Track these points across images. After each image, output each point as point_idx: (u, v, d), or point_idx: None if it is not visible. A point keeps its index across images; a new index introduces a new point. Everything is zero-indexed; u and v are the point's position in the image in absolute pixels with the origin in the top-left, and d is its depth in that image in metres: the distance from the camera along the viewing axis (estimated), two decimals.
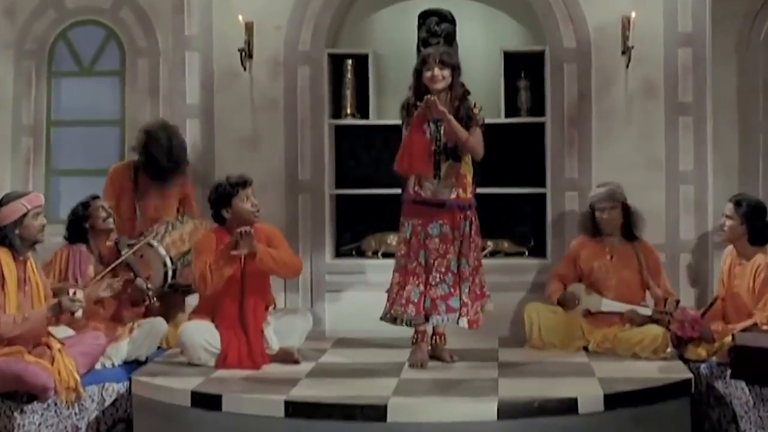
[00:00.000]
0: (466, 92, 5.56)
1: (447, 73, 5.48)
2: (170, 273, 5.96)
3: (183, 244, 6.01)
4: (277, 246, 5.67)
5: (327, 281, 6.72)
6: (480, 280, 5.64)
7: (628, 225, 6.02)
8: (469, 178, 5.55)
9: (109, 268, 5.68)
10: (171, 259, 5.95)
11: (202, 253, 5.56)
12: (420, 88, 5.52)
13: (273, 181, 6.65)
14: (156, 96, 7.39)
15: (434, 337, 5.75)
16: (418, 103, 5.40)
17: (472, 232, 5.58)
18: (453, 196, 5.50)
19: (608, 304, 5.99)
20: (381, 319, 5.55)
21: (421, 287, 5.50)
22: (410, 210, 5.58)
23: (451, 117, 5.37)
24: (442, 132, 5.42)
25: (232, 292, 5.55)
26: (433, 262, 5.50)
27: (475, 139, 5.45)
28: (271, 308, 5.87)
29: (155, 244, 5.93)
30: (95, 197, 5.96)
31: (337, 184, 6.95)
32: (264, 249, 5.53)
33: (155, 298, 5.75)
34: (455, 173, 5.50)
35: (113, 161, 7.11)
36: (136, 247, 5.83)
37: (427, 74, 5.47)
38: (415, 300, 5.46)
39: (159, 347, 5.90)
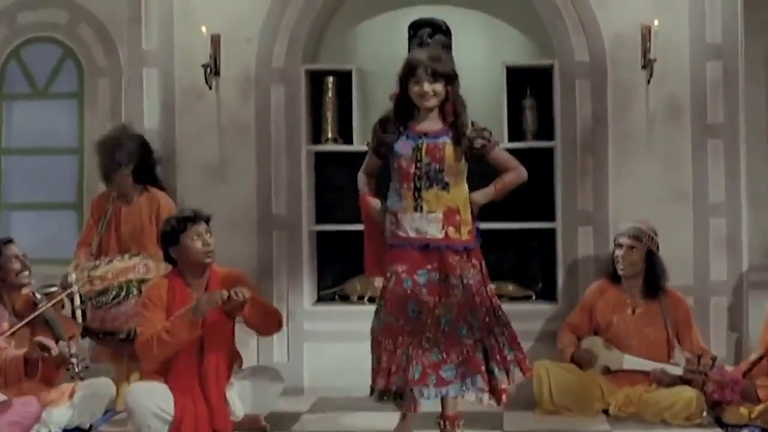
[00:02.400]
0: (462, 107, 4.74)
1: (440, 87, 4.64)
2: (78, 314, 5.26)
3: (102, 282, 5.29)
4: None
5: (306, 330, 6.17)
6: (507, 338, 4.73)
7: (651, 276, 5.48)
8: (466, 214, 4.67)
9: (22, 323, 4.96)
10: (81, 296, 5.24)
11: (147, 308, 4.94)
12: (404, 103, 4.71)
13: (243, 215, 6.18)
14: (118, 120, 6.72)
15: (442, 422, 4.79)
16: (400, 129, 4.69)
17: (475, 283, 4.66)
18: (440, 235, 4.61)
19: (631, 361, 5.41)
20: (375, 400, 4.68)
21: (411, 350, 4.56)
22: (393, 255, 4.70)
23: (498, 187, 4.75)
24: (424, 149, 4.60)
25: (188, 347, 4.91)
26: (423, 318, 4.59)
27: (513, 166, 4.80)
28: (236, 367, 5.22)
29: (75, 289, 5.20)
30: (8, 241, 5.26)
31: (316, 219, 6.46)
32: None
33: (82, 366, 4.94)
34: (443, 205, 4.62)
35: (71, 193, 6.93)
36: (54, 300, 5.06)
37: (416, 89, 4.64)
38: (403, 367, 4.56)
39: (107, 410, 5.35)
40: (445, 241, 4.58)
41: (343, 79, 6.33)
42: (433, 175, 4.58)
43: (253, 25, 6.21)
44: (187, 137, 6.25)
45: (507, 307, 5.65)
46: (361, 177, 4.88)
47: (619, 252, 5.47)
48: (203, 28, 6.06)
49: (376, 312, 4.70)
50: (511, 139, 6.11)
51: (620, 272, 5.47)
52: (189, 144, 6.25)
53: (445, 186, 4.59)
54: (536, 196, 6.21)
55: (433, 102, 4.60)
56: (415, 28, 6.21)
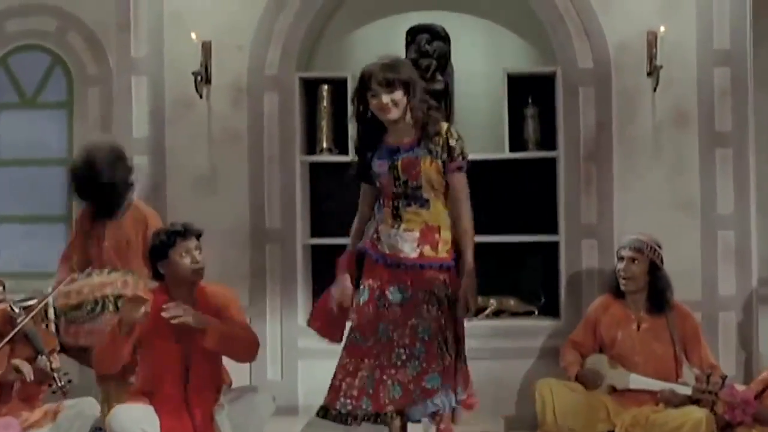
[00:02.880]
0: (431, 111, 4.37)
1: (399, 95, 4.27)
2: (52, 327, 5.02)
3: (78, 296, 5.02)
4: (230, 317, 4.81)
5: (300, 347, 6.01)
6: (462, 362, 4.40)
7: (654, 291, 5.28)
8: (445, 233, 4.34)
9: (2, 342, 4.73)
10: (55, 309, 5.01)
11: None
12: (365, 118, 4.42)
13: (235, 228, 6.03)
14: (108, 130, 6.63)
15: None
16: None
17: (440, 303, 4.31)
18: (414, 254, 4.31)
19: (638, 381, 5.18)
20: (316, 414, 4.44)
21: (378, 372, 4.28)
22: (367, 267, 4.42)
23: (468, 268, 4.29)
24: (399, 167, 4.28)
25: (174, 368, 4.70)
26: (394, 336, 4.28)
27: (461, 201, 4.34)
28: (224, 387, 4.96)
29: (50, 302, 4.99)
30: None
31: (311, 232, 6.31)
32: (215, 326, 4.66)
33: (65, 381, 4.77)
34: (421, 223, 4.32)
35: (59, 205, 6.76)
36: (33, 312, 4.85)
37: (373, 102, 4.27)
38: (370, 390, 4.29)
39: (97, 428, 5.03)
40: (419, 259, 4.29)
41: (339, 87, 6.15)
42: (411, 192, 4.30)
43: (246, 32, 6.08)
44: (178, 147, 6.11)
45: (508, 322, 5.94)
46: (355, 225, 4.60)
47: (620, 265, 5.31)
48: (193, 35, 5.93)
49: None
50: (512, 149, 6.01)
51: (622, 286, 5.30)
52: (179, 154, 6.11)
53: (425, 203, 4.31)
54: (538, 207, 6.16)
55: (394, 113, 4.26)
56: (413, 34, 6.11)
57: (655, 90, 5.83)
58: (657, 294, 5.27)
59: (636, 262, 5.27)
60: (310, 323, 4.63)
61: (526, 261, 6.32)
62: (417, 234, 4.28)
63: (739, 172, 5.88)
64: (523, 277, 6.32)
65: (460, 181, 4.29)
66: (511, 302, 6.18)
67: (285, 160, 6.07)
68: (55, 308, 5.00)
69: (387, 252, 4.31)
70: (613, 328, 5.31)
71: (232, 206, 6.06)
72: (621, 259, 5.31)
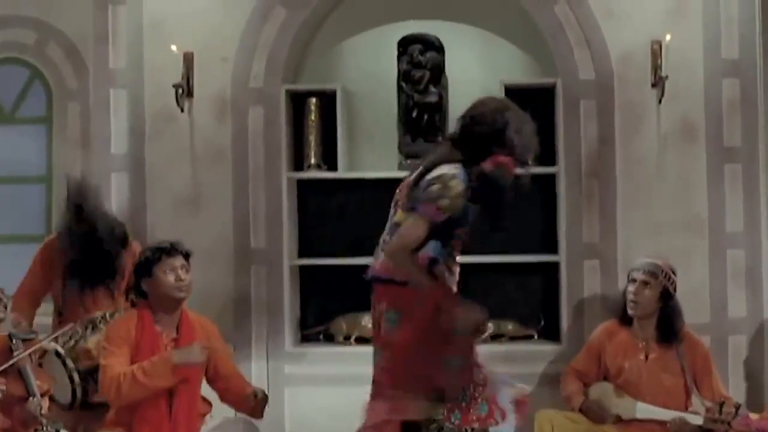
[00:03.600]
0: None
1: None
2: (79, 391, 4.74)
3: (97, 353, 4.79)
4: (215, 347, 4.77)
5: (287, 374, 5.87)
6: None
7: (665, 319, 5.08)
8: None
9: None
10: (80, 372, 4.74)
11: (112, 342, 4.55)
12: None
13: (219, 249, 5.88)
14: (89, 146, 6.49)
15: None
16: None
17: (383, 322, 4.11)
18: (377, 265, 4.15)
19: (645, 410, 4.97)
20: None
21: None
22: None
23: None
24: None
25: (155, 397, 4.52)
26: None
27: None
28: (207, 417, 4.84)
29: (61, 351, 4.73)
30: None
31: (299, 252, 6.14)
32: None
33: (53, 429, 4.48)
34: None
35: (39, 225, 6.78)
36: (31, 349, 4.59)
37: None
38: None
39: None
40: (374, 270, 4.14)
41: (327, 100, 6.03)
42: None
43: (229, 42, 5.91)
44: (158, 164, 5.95)
45: (506, 347, 5.80)
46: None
47: (631, 287, 5.12)
48: (174, 46, 5.79)
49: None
50: None
51: (630, 311, 5.10)
52: (160, 171, 5.96)
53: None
54: (538, 226, 6.04)
55: None
56: (405, 44, 5.97)
57: (660, 102, 5.70)
58: (667, 324, 5.08)
59: (648, 286, 5.07)
60: None
61: (525, 282, 6.16)
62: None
63: (749, 188, 5.76)
64: (522, 299, 6.16)
65: (409, 221, 4.00)
66: (509, 326, 6.02)
67: (271, 176, 5.92)
68: (80, 371, 4.74)
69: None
70: (620, 356, 5.11)
71: (215, 225, 5.91)
72: (633, 281, 5.13)
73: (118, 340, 4.56)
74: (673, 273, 5.10)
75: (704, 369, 5.08)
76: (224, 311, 5.75)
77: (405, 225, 3.91)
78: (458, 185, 3.86)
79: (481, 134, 3.98)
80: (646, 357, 5.07)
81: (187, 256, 4.68)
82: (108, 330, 4.68)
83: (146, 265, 4.62)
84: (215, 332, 4.84)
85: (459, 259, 4.17)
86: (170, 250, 4.64)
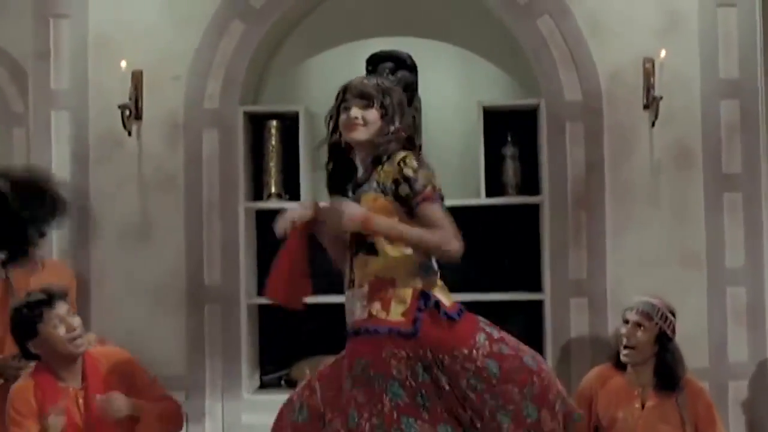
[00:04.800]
0: (405, 144, 3.70)
1: (373, 115, 3.69)
2: None
3: None
4: (141, 386, 4.39)
5: (244, 423, 5.59)
6: None
7: (662, 366, 4.77)
8: (402, 290, 3.55)
9: None
10: None
11: (16, 423, 4.19)
12: (340, 150, 3.79)
13: (170, 285, 5.65)
14: None
15: None
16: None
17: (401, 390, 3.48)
18: (363, 315, 3.55)
19: None
20: None
21: None
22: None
23: (400, 228, 3.50)
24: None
25: None
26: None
27: (434, 229, 3.51)
28: None
29: None
30: None
31: (258, 290, 5.83)
32: (149, 410, 4.29)
33: None
34: (370, 275, 3.58)
35: None
36: None
37: (342, 117, 3.75)
38: None
39: None
40: (366, 322, 3.54)
41: (289, 123, 5.82)
42: (359, 238, 3.58)
43: (182, 60, 5.66)
44: (103, 192, 5.71)
45: None
46: None
47: (624, 330, 4.82)
48: (123, 63, 5.51)
49: None
50: (489, 193, 5.64)
51: (623, 357, 4.78)
52: (105, 200, 5.71)
53: (371, 248, 3.57)
54: (520, 261, 5.84)
55: (360, 132, 3.62)
56: (374, 62, 5.64)
57: (653, 125, 5.52)
58: (665, 370, 4.75)
59: (642, 329, 4.75)
60: (267, 293, 3.90)
61: (505, 323, 5.49)
62: (366, 289, 3.55)
63: (751, 219, 5.56)
64: None
65: (433, 211, 3.51)
66: None
67: (227, 206, 5.67)
68: None
69: (348, 320, 3.62)
70: (613, 405, 4.77)
71: (165, 259, 5.68)
72: (625, 322, 4.83)
73: (23, 412, 4.23)
74: (672, 313, 4.81)
75: (707, 420, 4.79)
76: (175, 354, 5.52)
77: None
78: None
79: None
80: (643, 406, 4.75)
81: (65, 296, 4.29)
82: (11, 396, 4.30)
83: (28, 326, 4.21)
84: (133, 363, 4.45)
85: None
86: (50, 300, 4.23)
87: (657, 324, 4.73)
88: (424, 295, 3.51)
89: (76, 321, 4.23)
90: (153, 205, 5.66)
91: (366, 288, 3.51)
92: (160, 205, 5.66)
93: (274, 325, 5.94)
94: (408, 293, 3.50)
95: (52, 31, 5.67)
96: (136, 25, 5.63)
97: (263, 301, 5.61)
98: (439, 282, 3.62)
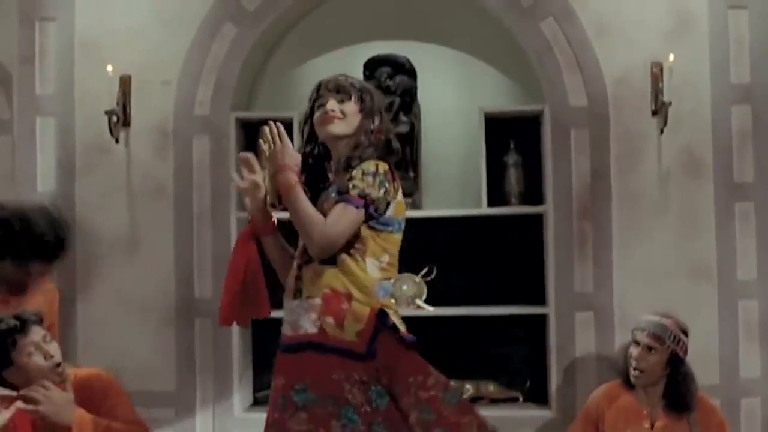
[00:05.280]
0: (368, 148, 3.43)
1: (351, 108, 3.44)
2: None
3: None
4: (109, 406, 4.07)
5: None
6: None
7: (674, 388, 4.60)
8: (359, 305, 3.31)
9: None
10: None
11: None
12: (316, 152, 3.59)
13: (159, 299, 5.53)
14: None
15: None
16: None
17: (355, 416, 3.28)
18: (312, 330, 3.31)
19: None
20: None
21: None
22: (278, 356, 3.48)
23: (294, 190, 3.36)
24: None
25: None
26: None
27: (325, 222, 3.27)
28: None
29: None
30: None
31: None
32: (85, 421, 3.91)
33: None
34: (323, 287, 3.34)
35: None
36: None
37: (317, 113, 3.46)
38: None
39: None
40: (318, 337, 3.30)
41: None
42: None
43: (172, 64, 5.57)
44: (90, 202, 5.60)
45: (487, 412, 5.05)
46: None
47: (633, 351, 4.64)
48: (109, 68, 5.38)
49: None
50: (491, 203, 5.54)
51: (632, 379, 4.61)
52: (92, 211, 5.59)
53: (329, 259, 3.33)
54: (523, 273, 5.74)
55: (336, 126, 3.41)
56: (372, 67, 5.65)
57: (661, 132, 5.41)
58: (676, 393, 4.59)
59: (653, 351, 4.58)
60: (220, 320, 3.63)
61: (509, 338, 5.83)
62: (318, 301, 3.32)
63: (763, 230, 5.45)
64: (505, 356, 5.84)
65: (338, 209, 3.28)
66: (491, 387, 5.69)
67: (218, 216, 5.55)
68: None
69: (288, 333, 3.37)
70: (621, 424, 4.61)
71: (154, 272, 5.56)
72: (635, 343, 4.64)
73: None
74: (684, 333, 4.64)
75: None
76: (164, 370, 5.40)
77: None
78: None
79: None
80: (652, 426, 4.58)
81: (40, 321, 4.04)
82: None
83: (2, 355, 3.97)
84: (110, 383, 4.19)
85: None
86: (22, 327, 3.99)
87: (669, 347, 4.58)
88: (382, 315, 3.29)
89: (53, 347, 4.01)
90: (141, 216, 5.55)
91: (318, 300, 3.29)
92: (148, 215, 5.55)
93: (267, 341, 5.70)
94: (365, 311, 3.28)
95: (37, 35, 5.59)
96: (124, 28, 5.54)
97: None
98: (394, 305, 3.42)
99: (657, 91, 5.31)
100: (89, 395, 4.04)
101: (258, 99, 5.87)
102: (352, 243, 3.28)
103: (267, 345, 5.66)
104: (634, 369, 4.56)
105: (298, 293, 3.33)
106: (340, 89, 3.40)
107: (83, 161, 5.56)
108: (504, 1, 5.45)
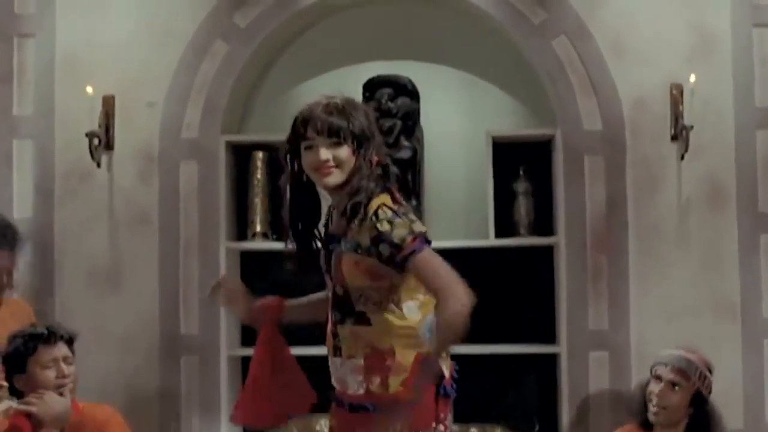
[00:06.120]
0: (366, 181, 3.24)
1: (346, 152, 3.22)
2: None
3: None
4: None
5: None
6: None
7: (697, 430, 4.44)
8: (403, 355, 3.23)
9: None
10: None
11: None
12: (298, 180, 3.40)
13: (142, 334, 5.42)
14: None
15: None
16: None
17: None
18: (359, 391, 3.22)
19: None
20: None
21: None
22: (333, 406, 3.41)
23: (435, 349, 3.20)
24: (333, 264, 3.30)
25: None
26: None
27: (436, 287, 3.07)
28: None
29: None
30: None
31: (242, 340, 5.64)
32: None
33: None
34: (364, 346, 3.24)
35: None
36: None
37: (307, 158, 3.23)
38: None
39: None
40: (366, 398, 3.22)
41: (277, 154, 5.12)
42: (341, 303, 3.21)
43: (158, 84, 5.48)
44: (70, 230, 5.49)
45: None
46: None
47: (654, 387, 4.45)
48: (89, 88, 5.29)
49: None
50: (499, 234, 5.44)
51: (652, 416, 4.42)
52: (71, 239, 5.48)
53: (361, 317, 3.20)
54: (532, 309, 5.57)
55: (335, 177, 3.23)
56: (372, 88, 5.54)
57: (682, 158, 5.28)
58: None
59: (677, 388, 4.40)
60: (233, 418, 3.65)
61: (517, 378, 5.69)
62: (361, 362, 3.22)
63: None
64: (513, 398, 5.68)
65: (425, 262, 3.12)
66: (498, 430, 5.50)
67: (207, 246, 5.43)
68: None
69: (338, 389, 3.29)
70: None
71: (137, 305, 5.43)
72: (656, 378, 4.47)
73: None
74: (710, 371, 4.47)
75: None
76: (147, 411, 5.24)
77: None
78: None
79: None
80: None
81: (70, 341, 4.12)
82: None
83: (18, 358, 4.04)
84: (113, 416, 4.28)
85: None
86: (48, 337, 4.06)
87: (694, 384, 4.40)
88: (426, 361, 3.17)
89: (71, 370, 4.04)
90: (124, 245, 5.45)
91: (361, 361, 3.19)
92: (131, 244, 5.45)
93: None
94: (410, 359, 3.17)
95: (15, 52, 5.52)
96: (107, 45, 5.45)
97: (246, 352, 5.48)
98: None
99: (677, 115, 5.18)
100: (92, 425, 4.11)
101: (250, 122, 5.77)
102: (382, 298, 3.17)
103: None
104: (656, 407, 4.40)
105: (337, 351, 3.22)
106: (332, 132, 3.16)
107: (63, 187, 5.48)
108: (513, 17, 5.34)
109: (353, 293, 3.19)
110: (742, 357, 5.20)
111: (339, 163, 3.16)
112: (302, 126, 3.20)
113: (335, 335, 3.21)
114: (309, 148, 3.18)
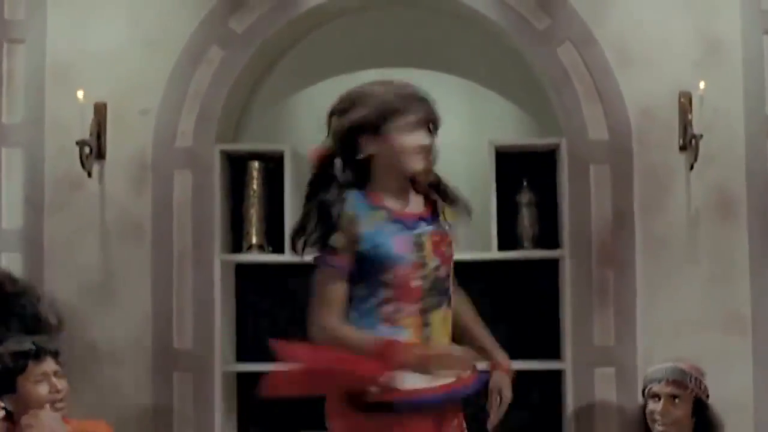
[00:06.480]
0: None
1: (433, 142, 3.46)
2: None
3: None
4: None
5: None
6: None
7: None
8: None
9: None
10: None
11: None
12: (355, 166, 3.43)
13: (134, 349, 5.33)
14: None
15: None
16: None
17: None
18: (453, 377, 3.31)
19: None
20: None
21: None
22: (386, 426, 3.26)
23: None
24: (428, 246, 3.28)
25: None
26: None
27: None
28: None
29: None
30: None
31: (237, 356, 5.59)
32: None
33: None
34: (449, 331, 3.41)
35: None
36: None
37: (406, 140, 3.26)
38: None
39: None
40: (461, 388, 3.36)
41: (273, 164, 5.54)
42: (440, 286, 3.28)
43: (151, 91, 5.39)
44: (60, 242, 5.39)
45: None
46: (343, 328, 3.32)
47: (654, 406, 4.46)
48: (80, 94, 5.19)
49: None
50: (502, 247, 5.38)
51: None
52: (62, 252, 5.38)
53: (450, 300, 3.38)
54: (536, 324, 5.53)
55: (429, 162, 3.40)
56: None
57: (691, 168, 5.21)
58: None
59: (677, 401, 4.44)
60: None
61: (520, 395, 5.02)
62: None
63: None
64: (516, 416, 5.07)
65: None
66: None
67: (201, 259, 5.35)
68: None
69: (431, 385, 3.21)
70: None
71: (129, 319, 5.33)
72: (654, 397, 4.49)
73: None
74: (702, 375, 4.55)
75: None
76: (139, 428, 5.16)
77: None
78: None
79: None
80: None
81: (57, 355, 4.12)
82: None
83: (6, 377, 4.00)
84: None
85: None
86: (37, 352, 4.05)
87: (693, 392, 4.44)
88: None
89: (63, 384, 4.03)
90: (116, 257, 5.35)
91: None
92: (124, 256, 5.35)
93: (253, 397, 5.39)
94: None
95: (5, 58, 5.42)
96: (99, 51, 5.36)
97: (242, 368, 5.48)
98: None
99: (685, 124, 5.11)
100: None
101: (245, 130, 5.70)
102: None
103: (253, 402, 5.51)
104: (661, 426, 4.41)
105: (425, 342, 3.24)
106: (435, 123, 3.34)
107: (53, 196, 5.37)
108: (516, 24, 5.26)
109: (451, 274, 3.35)
110: (752, 372, 5.15)
111: (429, 152, 3.36)
112: (404, 110, 3.27)
113: (425, 325, 3.23)
114: (410, 130, 3.25)
